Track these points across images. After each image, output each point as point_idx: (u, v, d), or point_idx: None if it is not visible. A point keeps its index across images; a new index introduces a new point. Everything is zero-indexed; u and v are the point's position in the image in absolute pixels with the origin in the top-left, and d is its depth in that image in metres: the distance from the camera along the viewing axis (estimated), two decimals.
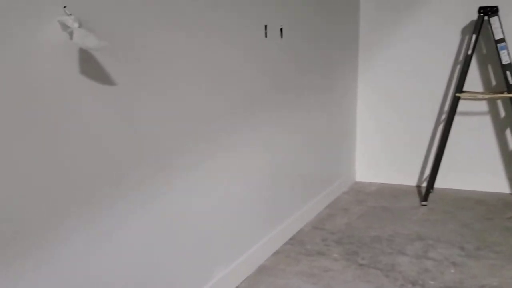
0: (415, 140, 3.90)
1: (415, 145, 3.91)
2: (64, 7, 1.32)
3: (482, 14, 3.30)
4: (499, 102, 3.62)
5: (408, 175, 3.97)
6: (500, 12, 3.32)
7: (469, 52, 3.34)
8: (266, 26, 2.46)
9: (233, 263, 2.30)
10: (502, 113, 3.62)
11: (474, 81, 3.61)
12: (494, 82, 3.59)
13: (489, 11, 3.28)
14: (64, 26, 1.30)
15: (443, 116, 3.78)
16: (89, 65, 1.42)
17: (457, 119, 3.67)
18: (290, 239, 2.86)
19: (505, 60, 3.25)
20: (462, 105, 3.66)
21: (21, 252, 1.25)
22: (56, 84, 1.32)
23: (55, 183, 1.34)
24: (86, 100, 1.42)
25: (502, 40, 3.25)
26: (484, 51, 3.57)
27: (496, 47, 3.27)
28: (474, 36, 3.32)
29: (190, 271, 1.99)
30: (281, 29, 2.62)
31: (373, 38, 3.90)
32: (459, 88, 3.40)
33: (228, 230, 2.26)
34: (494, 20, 3.27)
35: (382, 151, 4.03)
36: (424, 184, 3.91)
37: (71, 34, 1.31)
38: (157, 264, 1.79)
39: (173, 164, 1.83)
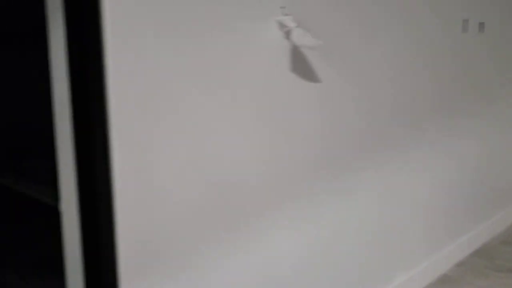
0: None
1: None
2: (282, 7, 1.39)
3: None
4: None
5: None
6: None
7: None
8: (465, 21, 2.30)
9: (413, 269, 2.22)
10: None
11: None
12: None
13: None
14: (282, 26, 1.38)
15: None
16: (299, 63, 1.48)
17: None
18: (476, 251, 2.65)
19: None
20: None
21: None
22: (270, 79, 1.41)
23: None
24: (295, 95, 1.49)
25: None
26: None
27: None
28: None
29: (370, 272, 1.98)
30: (481, 23, 2.42)
31: None
32: None
33: (410, 236, 2.19)
34: None
35: None
36: None
37: (287, 33, 1.37)
38: (339, 260, 1.81)
39: (368, 164, 1.84)
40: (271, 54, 1.39)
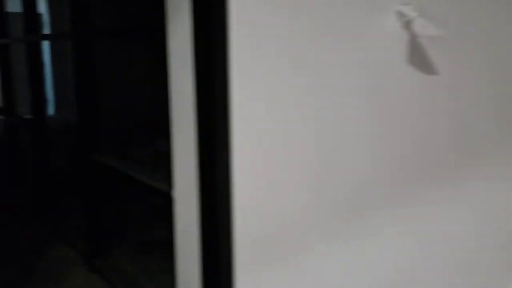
0: None
1: None
2: None
3: None
4: None
5: None
6: None
7: None
8: None
9: None
10: None
11: None
12: None
13: None
14: (401, 15, 1.31)
15: None
16: (415, 53, 1.41)
17: None
18: None
19: None
20: None
21: None
22: (387, 69, 1.36)
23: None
24: (411, 87, 1.43)
25: None
26: None
27: None
28: None
29: (485, 275, 1.87)
30: None
31: None
32: None
33: None
34: None
35: None
36: None
37: (406, 23, 1.31)
38: (452, 259, 1.72)
39: (486, 161, 1.73)
40: (389, 45, 1.33)
